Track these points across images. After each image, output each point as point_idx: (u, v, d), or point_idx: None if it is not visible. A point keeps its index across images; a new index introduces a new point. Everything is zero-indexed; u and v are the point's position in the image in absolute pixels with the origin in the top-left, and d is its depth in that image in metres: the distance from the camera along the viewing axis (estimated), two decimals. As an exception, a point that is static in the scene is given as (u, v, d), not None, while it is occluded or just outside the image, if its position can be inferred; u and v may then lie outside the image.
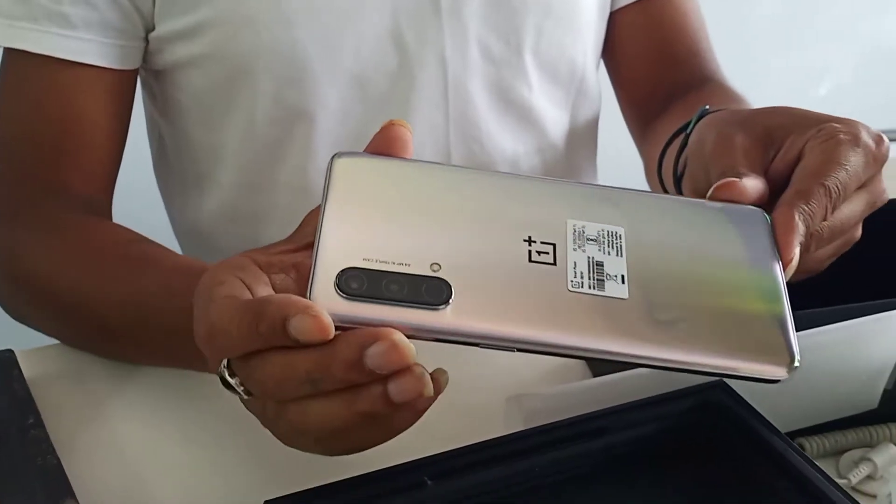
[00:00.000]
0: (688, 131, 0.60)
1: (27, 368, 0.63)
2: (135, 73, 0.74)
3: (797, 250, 0.44)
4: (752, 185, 0.46)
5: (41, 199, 0.71)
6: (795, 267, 0.44)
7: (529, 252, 0.41)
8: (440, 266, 0.40)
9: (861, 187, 0.50)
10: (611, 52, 0.87)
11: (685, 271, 0.42)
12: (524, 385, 0.61)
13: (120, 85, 0.72)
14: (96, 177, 0.73)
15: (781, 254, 0.43)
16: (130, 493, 0.56)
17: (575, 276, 0.40)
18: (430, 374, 0.41)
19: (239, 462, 0.57)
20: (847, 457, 0.55)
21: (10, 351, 0.63)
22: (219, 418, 0.60)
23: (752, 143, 0.52)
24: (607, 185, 0.45)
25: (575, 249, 0.41)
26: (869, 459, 0.54)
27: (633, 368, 0.40)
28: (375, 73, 0.74)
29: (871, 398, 0.54)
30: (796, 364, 0.40)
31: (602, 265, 0.41)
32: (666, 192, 0.69)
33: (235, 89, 0.73)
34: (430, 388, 0.38)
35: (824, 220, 0.47)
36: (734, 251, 0.43)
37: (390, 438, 0.41)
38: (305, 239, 0.44)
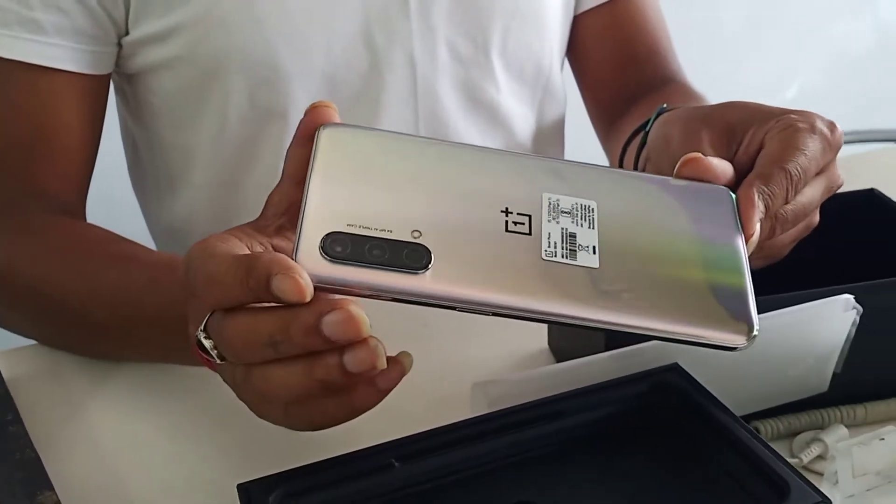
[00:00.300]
0: (647, 129, 0.63)
1: (5, 369, 0.64)
2: (108, 77, 0.75)
3: (758, 226, 0.47)
4: (717, 161, 0.49)
5: (16, 202, 0.72)
6: (756, 241, 0.46)
7: (506, 222, 0.43)
8: (421, 233, 0.41)
9: (819, 173, 0.53)
10: (576, 54, 0.89)
11: (653, 243, 0.44)
12: (491, 373, 0.63)
13: (93, 89, 0.73)
14: (70, 180, 0.74)
15: (743, 228, 0.46)
16: (107, 485, 0.57)
17: (549, 246, 0.42)
18: (396, 356, 0.42)
19: (212, 454, 0.58)
20: (800, 438, 0.57)
21: (-12, 351, 0.65)
22: (192, 414, 0.61)
23: (717, 138, 0.54)
24: (582, 161, 0.47)
25: (549, 221, 0.43)
26: (820, 440, 0.56)
27: (599, 332, 0.42)
28: (347, 73, 0.75)
29: (822, 381, 0.56)
30: (755, 332, 0.42)
31: (575, 236, 0.43)
32: None
33: (208, 90, 0.74)
34: (382, 361, 0.40)
35: (786, 202, 0.50)
36: (699, 226, 0.45)
37: (353, 416, 0.43)
38: (276, 221, 0.46)
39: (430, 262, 0.41)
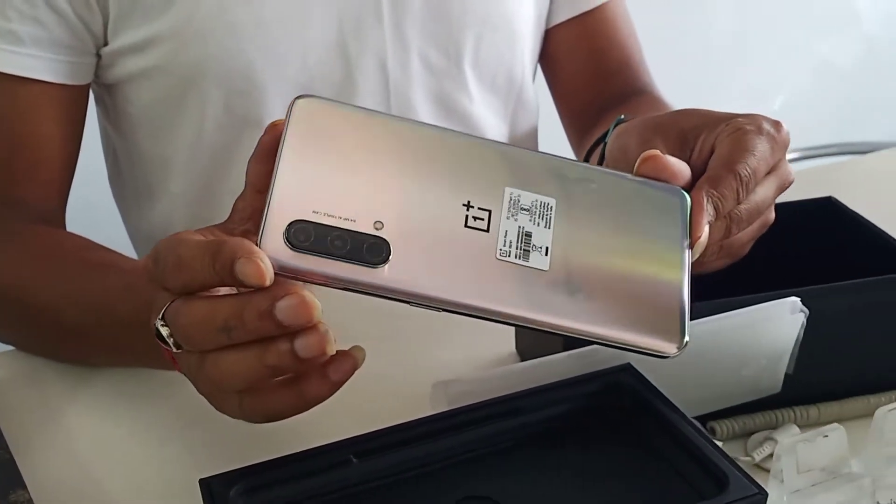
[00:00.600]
0: (605, 141, 0.64)
1: (-16, 374, 0.66)
2: (87, 87, 0.76)
3: (706, 229, 0.48)
4: (674, 160, 0.50)
5: None
6: (704, 244, 0.48)
7: (467, 217, 0.44)
8: (383, 224, 0.43)
9: (770, 172, 0.54)
10: (549, 66, 0.91)
11: (601, 246, 0.45)
12: (451, 373, 0.65)
13: (71, 99, 0.75)
14: (49, 188, 0.75)
15: (691, 231, 0.47)
16: (79, 485, 0.58)
17: (504, 245, 0.44)
18: (349, 350, 0.44)
19: (182, 455, 0.60)
20: (754, 437, 0.59)
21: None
22: (163, 417, 0.63)
23: (671, 145, 0.56)
24: (551, 154, 0.48)
25: (508, 218, 0.45)
26: (772, 439, 0.57)
27: (541, 333, 0.43)
28: (321, 83, 0.77)
29: (775, 383, 0.58)
30: (685, 342, 0.44)
31: (530, 236, 0.45)
32: None
33: (184, 100, 0.76)
34: (332, 347, 0.42)
35: (738, 202, 0.52)
36: (649, 230, 0.47)
37: (306, 408, 0.44)
38: (242, 225, 0.48)
39: (388, 257, 0.42)
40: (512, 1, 0.82)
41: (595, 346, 0.53)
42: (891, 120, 2.24)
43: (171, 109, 0.77)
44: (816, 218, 0.68)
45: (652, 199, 0.48)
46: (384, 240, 0.43)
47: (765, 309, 0.54)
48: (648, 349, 0.44)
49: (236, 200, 0.49)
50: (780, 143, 0.54)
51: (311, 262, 0.42)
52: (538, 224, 0.45)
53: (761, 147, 0.53)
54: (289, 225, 0.42)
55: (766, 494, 0.43)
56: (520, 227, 0.45)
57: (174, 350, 0.44)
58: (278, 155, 0.44)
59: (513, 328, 0.67)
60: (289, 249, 0.42)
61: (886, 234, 0.64)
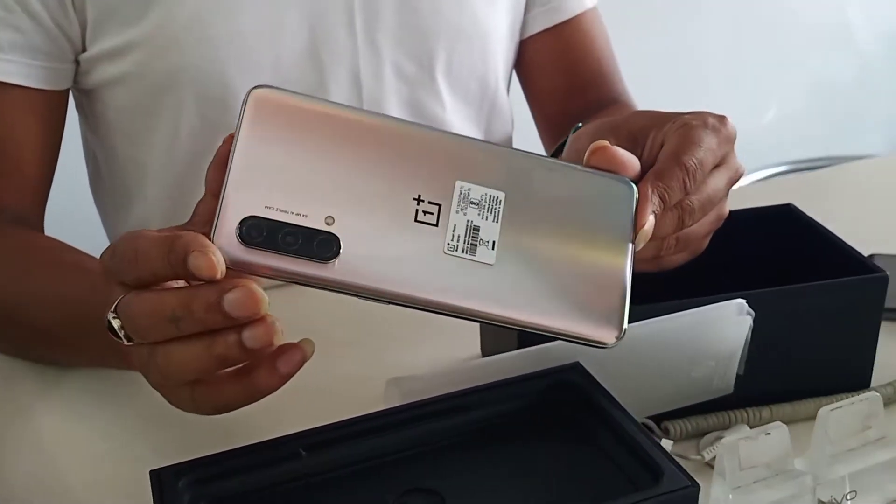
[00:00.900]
0: (564, 146, 0.66)
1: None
2: (66, 93, 0.78)
3: (651, 218, 0.49)
4: (623, 152, 0.50)
5: None
6: (649, 233, 0.49)
7: (416, 211, 0.45)
8: (334, 220, 0.44)
9: (720, 165, 0.55)
10: (525, 76, 0.92)
11: (547, 239, 0.46)
12: (405, 370, 0.66)
13: (49, 105, 0.76)
14: (26, 193, 0.77)
15: (635, 221, 0.48)
16: (46, 481, 0.59)
17: (452, 240, 0.45)
18: (297, 342, 0.45)
19: (143, 451, 0.61)
20: (707, 437, 0.60)
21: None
22: (126, 417, 0.64)
23: (623, 145, 0.57)
24: (503, 146, 0.49)
25: (457, 212, 0.46)
26: (723, 438, 0.58)
27: (506, 332, 0.45)
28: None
29: (726, 384, 0.59)
30: (623, 331, 0.45)
31: (478, 230, 0.46)
32: None
33: (160, 105, 0.77)
34: (279, 338, 0.43)
35: (685, 192, 0.52)
36: (596, 220, 0.48)
37: (256, 398, 0.45)
38: (202, 228, 0.48)
39: (338, 252, 0.44)
40: (484, 11, 0.83)
41: (546, 345, 0.54)
42: (880, 134, 2.25)
43: (147, 115, 0.78)
44: (776, 224, 0.69)
45: (600, 191, 0.49)
46: (334, 235, 0.44)
47: (711, 311, 0.55)
48: (586, 338, 0.45)
49: (197, 203, 0.50)
50: (725, 136, 0.55)
51: (263, 257, 0.43)
52: (486, 218, 0.46)
53: (707, 140, 0.54)
54: (241, 221, 0.43)
55: (698, 487, 0.44)
56: (468, 221, 0.46)
57: (125, 343, 0.45)
58: (233, 147, 0.44)
59: (478, 328, 0.68)
60: (241, 245, 0.43)
61: (840, 240, 0.65)
